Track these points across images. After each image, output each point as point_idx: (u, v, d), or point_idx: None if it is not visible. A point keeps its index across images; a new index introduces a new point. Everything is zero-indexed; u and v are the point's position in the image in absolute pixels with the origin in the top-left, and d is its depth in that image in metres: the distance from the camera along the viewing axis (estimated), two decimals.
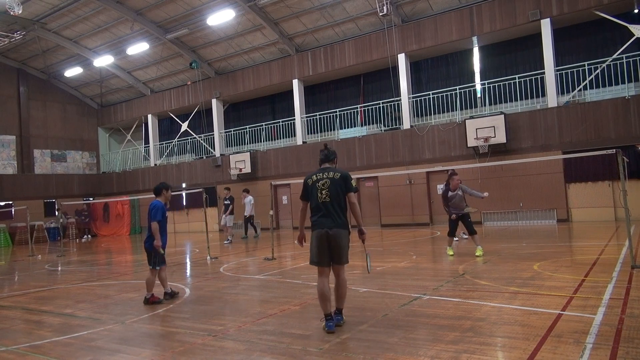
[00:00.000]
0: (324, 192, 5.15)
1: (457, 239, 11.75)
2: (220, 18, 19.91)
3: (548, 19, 16.30)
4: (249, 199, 17.35)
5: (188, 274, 10.65)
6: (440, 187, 12.22)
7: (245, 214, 17.37)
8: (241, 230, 18.90)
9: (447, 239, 10.48)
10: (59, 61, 26.61)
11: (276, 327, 5.25)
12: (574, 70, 16.24)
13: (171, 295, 7.31)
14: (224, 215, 17.18)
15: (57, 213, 25.47)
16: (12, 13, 17.32)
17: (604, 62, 15.74)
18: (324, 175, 5.23)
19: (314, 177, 5.27)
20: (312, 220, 5.25)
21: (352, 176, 5.38)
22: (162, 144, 28.07)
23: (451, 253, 10.17)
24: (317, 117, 21.74)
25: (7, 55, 25.96)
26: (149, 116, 27.84)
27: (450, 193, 10.08)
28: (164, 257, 7.16)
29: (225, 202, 17.20)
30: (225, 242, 16.62)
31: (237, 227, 19.88)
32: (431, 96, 18.92)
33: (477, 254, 9.69)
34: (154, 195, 7.29)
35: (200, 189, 13.84)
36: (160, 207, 7.06)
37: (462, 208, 10.04)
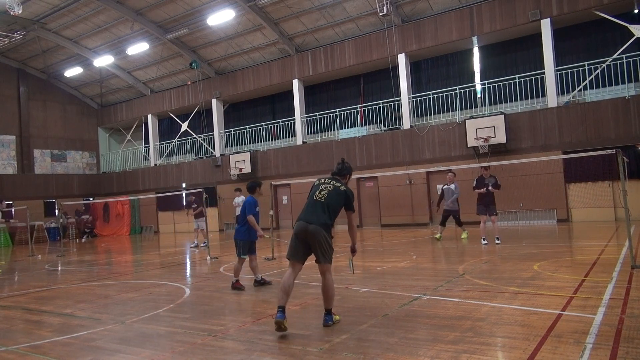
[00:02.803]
0: (322, 192, 5.23)
1: (486, 242, 11.49)
2: (220, 18, 19.92)
3: (548, 19, 16.30)
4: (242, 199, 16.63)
5: (188, 274, 10.66)
6: (449, 186, 12.79)
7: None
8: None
9: (440, 228, 12.89)
10: (59, 61, 26.61)
11: None
12: (574, 70, 16.24)
13: (261, 283, 7.73)
14: (194, 219, 16.12)
15: (57, 213, 25.47)
16: (12, 13, 17.33)
17: (604, 62, 15.73)
18: (331, 183, 5.34)
19: (322, 180, 5.42)
20: (299, 215, 5.30)
21: (352, 176, 5.41)
22: (162, 144, 28.07)
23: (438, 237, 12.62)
24: (317, 117, 21.73)
25: (7, 55, 25.98)
26: (149, 116, 27.85)
27: (446, 186, 12.48)
28: (254, 247, 7.81)
29: (193, 205, 16.21)
30: (202, 244, 15.44)
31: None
32: (431, 96, 18.91)
33: (463, 236, 12.81)
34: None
35: (201, 189, 13.84)
36: (254, 202, 7.73)
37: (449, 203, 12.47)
